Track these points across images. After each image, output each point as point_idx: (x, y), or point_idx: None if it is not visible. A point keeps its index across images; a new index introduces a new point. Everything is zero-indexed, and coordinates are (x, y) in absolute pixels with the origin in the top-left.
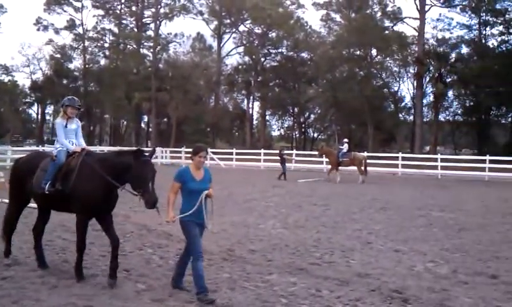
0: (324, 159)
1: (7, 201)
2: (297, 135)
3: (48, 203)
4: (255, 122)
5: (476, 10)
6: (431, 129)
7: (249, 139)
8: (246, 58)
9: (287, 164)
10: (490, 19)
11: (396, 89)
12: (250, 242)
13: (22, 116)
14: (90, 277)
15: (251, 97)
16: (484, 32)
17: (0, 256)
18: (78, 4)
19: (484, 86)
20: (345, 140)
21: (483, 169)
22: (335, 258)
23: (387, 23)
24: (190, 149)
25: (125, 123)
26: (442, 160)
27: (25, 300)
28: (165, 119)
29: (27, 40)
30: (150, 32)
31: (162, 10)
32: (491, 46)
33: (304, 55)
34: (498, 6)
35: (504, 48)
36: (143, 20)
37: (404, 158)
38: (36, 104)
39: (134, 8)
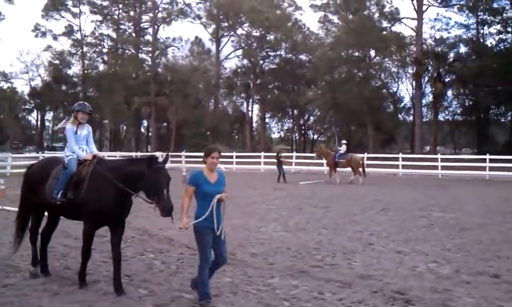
0: (324, 161)
1: (8, 208)
2: (297, 138)
3: (60, 211)
4: (254, 125)
5: (473, 9)
6: (430, 129)
7: (249, 142)
8: (245, 61)
9: (284, 167)
10: (488, 18)
11: (395, 89)
12: (251, 245)
13: (21, 122)
14: (92, 283)
15: (251, 100)
16: (481, 31)
17: (2, 263)
18: (76, 10)
19: (483, 85)
20: (344, 141)
21: (483, 169)
22: (337, 260)
23: (385, 24)
24: (190, 153)
25: (124, 128)
26: (442, 160)
27: None
28: (164, 124)
29: (26, 47)
30: (148, 37)
31: (160, 15)
32: (489, 45)
33: (303, 57)
34: (495, 5)
35: (502, 47)
36: (141, 25)
37: (404, 159)
38: (35, 111)
39: (131, 13)
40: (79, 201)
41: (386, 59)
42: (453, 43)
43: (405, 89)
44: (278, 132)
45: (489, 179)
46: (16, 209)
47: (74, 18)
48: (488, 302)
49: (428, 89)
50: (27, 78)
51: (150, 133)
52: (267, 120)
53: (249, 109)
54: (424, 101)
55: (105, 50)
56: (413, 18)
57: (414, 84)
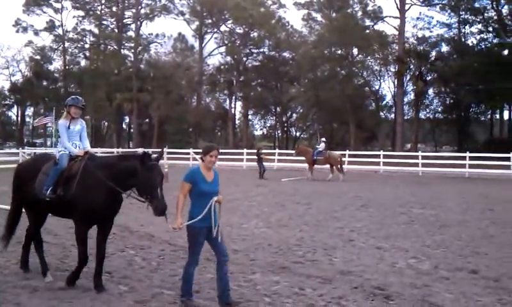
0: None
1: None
2: (280, 135)
3: (50, 208)
4: (237, 122)
5: (455, 9)
6: (411, 127)
7: (232, 139)
8: (228, 58)
9: (266, 163)
10: (469, 18)
11: (377, 87)
12: (233, 241)
13: (1, 118)
14: None
15: (234, 97)
16: (463, 30)
17: None
18: (58, 5)
19: (464, 84)
20: (323, 139)
21: (463, 166)
22: (318, 256)
23: (368, 22)
24: (172, 150)
25: (106, 124)
26: (423, 157)
27: (5, 304)
28: (147, 120)
29: (6, 42)
30: (131, 33)
31: (142, 10)
32: (471, 44)
33: (286, 54)
34: (477, 5)
35: (483, 46)
36: (124, 21)
37: (385, 156)
38: (15, 106)
39: (114, 9)
40: (69, 198)
41: (369, 58)
42: (435, 42)
43: (387, 87)
44: (261, 129)
45: (469, 176)
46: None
47: (56, 14)
48: (467, 298)
49: (410, 88)
50: (8, 74)
51: (131, 130)
52: (250, 117)
53: (232, 105)
54: (405, 99)
55: (87, 46)
56: (396, 17)
57: (396, 82)
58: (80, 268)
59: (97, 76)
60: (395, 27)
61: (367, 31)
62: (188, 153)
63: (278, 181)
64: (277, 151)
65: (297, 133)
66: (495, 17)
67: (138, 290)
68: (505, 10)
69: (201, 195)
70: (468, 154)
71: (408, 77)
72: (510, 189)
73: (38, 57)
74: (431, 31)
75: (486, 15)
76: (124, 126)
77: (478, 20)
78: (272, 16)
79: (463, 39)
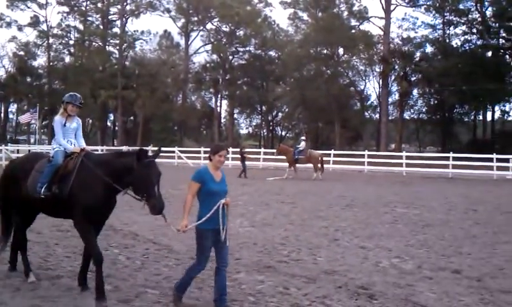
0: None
1: None
2: (265, 134)
3: (44, 207)
4: (223, 120)
5: (440, 10)
6: (396, 127)
7: (218, 138)
8: (214, 56)
9: (250, 163)
10: (454, 19)
11: (362, 87)
12: None
13: None
14: (55, 278)
15: (219, 95)
16: (448, 31)
17: None
18: (42, 1)
19: (448, 85)
20: (303, 137)
21: (447, 166)
22: (303, 255)
23: (353, 22)
24: (157, 148)
25: (90, 121)
26: (407, 157)
27: None
28: (131, 118)
29: None
30: (116, 30)
31: (128, 7)
32: (455, 45)
33: (272, 53)
34: (461, 6)
35: (467, 48)
36: (109, 17)
37: (369, 156)
38: None
39: (99, 5)
40: (65, 197)
41: (354, 57)
42: (419, 43)
43: (372, 87)
44: (247, 128)
45: (453, 177)
46: None
47: (40, 9)
48: (449, 297)
49: (394, 88)
50: None
51: (116, 127)
52: (235, 116)
53: (218, 104)
54: (390, 99)
55: (71, 42)
56: (381, 18)
57: (381, 83)
58: (100, 269)
59: (82, 73)
60: (380, 28)
61: (353, 31)
62: (173, 152)
63: (263, 180)
64: (262, 150)
65: (283, 133)
66: (479, 19)
67: (122, 289)
68: (489, 12)
69: (210, 195)
70: (451, 155)
71: (393, 78)
72: (493, 190)
73: (21, 53)
74: (415, 32)
75: (470, 16)
76: (109, 123)
77: (462, 21)
78: (258, 14)
79: (448, 41)
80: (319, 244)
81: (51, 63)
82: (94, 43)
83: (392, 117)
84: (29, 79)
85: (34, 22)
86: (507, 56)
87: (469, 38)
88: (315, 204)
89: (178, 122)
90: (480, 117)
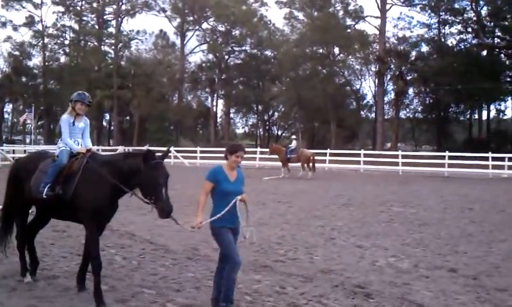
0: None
1: None
2: (262, 133)
3: (48, 209)
4: (219, 120)
5: (435, 9)
6: (392, 126)
7: (214, 137)
8: (210, 56)
9: (247, 162)
10: (449, 18)
11: (358, 87)
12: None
13: None
14: (51, 278)
15: (215, 95)
16: (443, 31)
17: None
18: (37, 1)
19: (444, 84)
20: (294, 137)
21: (443, 165)
22: (299, 254)
23: (349, 21)
24: (153, 148)
25: None
26: (403, 156)
27: None
28: (127, 117)
29: None
30: (112, 29)
31: (123, 7)
32: (450, 44)
33: (268, 53)
34: (456, 6)
35: (463, 47)
36: (104, 17)
37: (365, 155)
38: None
39: (95, 5)
40: (68, 198)
41: (350, 57)
42: (415, 42)
43: (368, 86)
44: (243, 127)
45: (448, 176)
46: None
47: (35, 9)
48: (446, 296)
49: (390, 87)
50: None
51: (112, 127)
52: (231, 115)
53: (214, 103)
54: (385, 98)
55: (67, 42)
56: (377, 17)
57: (376, 82)
58: (99, 278)
59: (77, 72)
60: (376, 27)
61: (348, 31)
62: (169, 152)
63: (260, 180)
64: (258, 149)
65: (279, 132)
66: (474, 18)
67: (118, 289)
68: (484, 11)
69: (224, 195)
70: (447, 153)
71: (388, 77)
72: (488, 188)
73: (17, 52)
74: (411, 31)
75: (465, 15)
76: (104, 123)
77: (458, 20)
78: (254, 14)
79: (443, 40)
80: (316, 243)
81: (46, 63)
82: (89, 43)
83: (388, 116)
84: (24, 79)
85: (30, 22)
86: (503, 55)
87: (464, 37)
88: (311, 203)
89: (174, 122)
90: (476, 116)
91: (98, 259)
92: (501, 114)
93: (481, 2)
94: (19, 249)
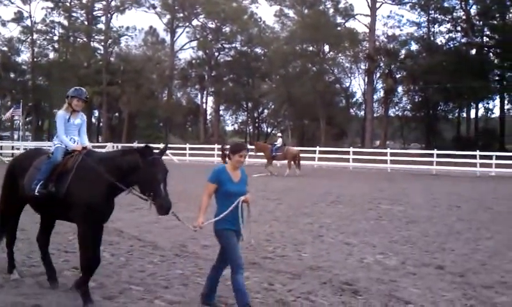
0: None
1: None
2: (251, 130)
3: (42, 207)
4: (208, 117)
5: (425, 8)
6: (381, 124)
7: (203, 134)
8: (200, 53)
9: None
10: (438, 17)
11: (348, 84)
12: (203, 237)
13: None
14: (38, 275)
15: (205, 92)
16: (432, 29)
17: None
18: None
19: (432, 82)
20: (279, 134)
21: (431, 163)
22: (288, 251)
23: (339, 19)
24: (142, 145)
25: None
26: (392, 154)
27: None
28: (116, 114)
29: None
30: (101, 25)
31: (113, 3)
32: (440, 43)
33: (258, 50)
34: (446, 4)
35: (452, 45)
36: (94, 13)
37: (355, 153)
38: None
39: (84, 1)
40: (61, 196)
41: (340, 55)
42: (405, 41)
43: (357, 84)
44: (232, 125)
45: (437, 173)
46: None
47: (24, 4)
48: (433, 293)
49: (379, 85)
50: None
51: (101, 124)
52: (221, 112)
53: (204, 100)
54: (375, 96)
55: (56, 38)
56: (367, 15)
57: (366, 80)
58: (87, 277)
59: (66, 69)
60: (366, 25)
61: (338, 28)
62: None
63: (249, 177)
64: (248, 146)
65: (269, 129)
66: (464, 17)
67: (106, 286)
68: (473, 10)
69: (227, 196)
70: (435, 151)
71: (378, 75)
72: (476, 186)
73: (5, 48)
74: (401, 30)
75: (454, 14)
76: (93, 120)
77: (447, 19)
78: (244, 11)
79: (432, 38)
80: (304, 240)
81: (35, 59)
82: (79, 39)
83: (377, 114)
84: (12, 75)
85: (18, 18)
86: (491, 54)
87: (453, 36)
88: (300, 200)
89: (163, 119)
90: (464, 114)
91: (90, 259)
92: (489, 112)
93: (470, 1)
94: (7, 245)
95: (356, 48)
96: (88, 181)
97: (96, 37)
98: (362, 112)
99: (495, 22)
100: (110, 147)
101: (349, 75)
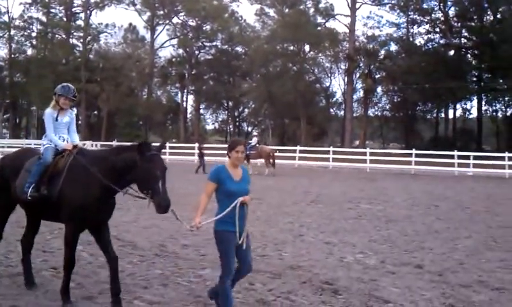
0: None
1: None
2: (232, 129)
3: (34, 210)
4: (189, 115)
5: (404, 9)
6: (360, 124)
7: (183, 133)
8: (180, 50)
9: (208, 158)
10: (417, 18)
11: (328, 84)
12: (183, 236)
13: None
14: (16, 275)
15: (185, 90)
16: (411, 30)
17: None
18: None
19: (411, 83)
20: (255, 134)
21: (410, 163)
22: (268, 251)
23: (319, 19)
24: (121, 143)
25: None
26: (371, 154)
27: None
28: (95, 112)
29: None
30: (80, 22)
31: None
32: (418, 44)
33: (239, 49)
34: (425, 6)
35: (430, 46)
36: (73, 9)
37: (334, 152)
38: None
39: None
40: (54, 198)
41: (320, 54)
42: (384, 41)
43: (337, 84)
44: (213, 123)
45: (415, 173)
46: None
47: (1, 0)
48: (412, 292)
49: (359, 85)
50: None
51: (79, 122)
52: (201, 111)
53: (184, 99)
54: (354, 96)
55: (34, 34)
56: (347, 15)
57: (346, 80)
58: (68, 275)
59: (44, 65)
60: (346, 25)
61: (319, 28)
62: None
63: None
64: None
65: (249, 128)
66: (442, 18)
67: (85, 286)
68: (451, 12)
69: (228, 195)
70: (414, 151)
71: (358, 75)
72: (454, 186)
73: None
74: (380, 30)
75: (433, 16)
76: None
77: (426, 20)
78: (225, 9)
79: (411, 39)
80: (284, 240)
81: (12, 55)
82: (57, 36)
83: (357, 114)
84: None
85: None
86: (469, 55)
87: (432, 37)
88: (280, 200)
89: (143, 117)
90: (443, 115)
91: (73, 260)
92: (467, 113)
93: (449, 3)
94: None
95: (336, 48)
96: (80, 182)
97: (75, 34)
98: (342, 112)
99: (473, 24)
100: (89, 145)
101: (329, 74)
